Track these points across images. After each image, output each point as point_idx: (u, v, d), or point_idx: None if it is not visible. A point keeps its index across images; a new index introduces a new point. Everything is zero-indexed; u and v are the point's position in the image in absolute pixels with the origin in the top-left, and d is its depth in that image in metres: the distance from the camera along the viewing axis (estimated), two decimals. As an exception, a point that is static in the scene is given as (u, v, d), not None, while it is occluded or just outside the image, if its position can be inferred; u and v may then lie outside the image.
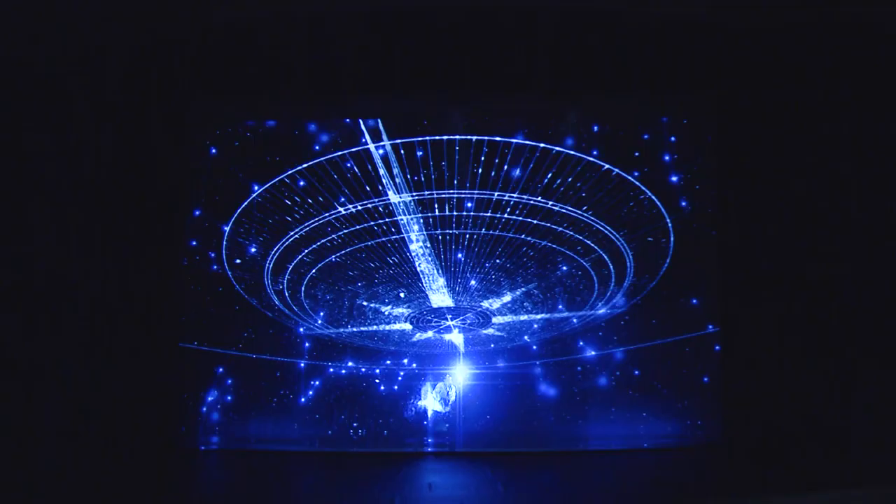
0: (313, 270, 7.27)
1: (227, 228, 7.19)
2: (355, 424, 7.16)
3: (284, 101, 7.17)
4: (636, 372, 7.14)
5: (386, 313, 7.48)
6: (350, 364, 7.30)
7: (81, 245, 6.59)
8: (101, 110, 6.69)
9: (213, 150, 7.27)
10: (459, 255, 7.24)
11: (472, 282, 7.32)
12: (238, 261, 7.26)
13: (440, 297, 7.42)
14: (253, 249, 7.20)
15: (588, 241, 7.16)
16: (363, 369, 7.32)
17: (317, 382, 7.25)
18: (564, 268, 7.26)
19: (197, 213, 7.21)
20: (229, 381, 7.18)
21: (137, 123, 6.82)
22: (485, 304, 7.45)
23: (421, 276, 7.29)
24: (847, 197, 6.46)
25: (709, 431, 6.93)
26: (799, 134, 6.64)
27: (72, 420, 6.31)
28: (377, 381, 7.29)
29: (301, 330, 7.34)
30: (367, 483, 5.88)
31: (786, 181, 6.67)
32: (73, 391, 6.37)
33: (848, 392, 6.26)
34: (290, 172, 7.05)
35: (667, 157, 7.12)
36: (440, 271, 7.28)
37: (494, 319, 7.53)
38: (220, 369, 7.15)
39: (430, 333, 7.51)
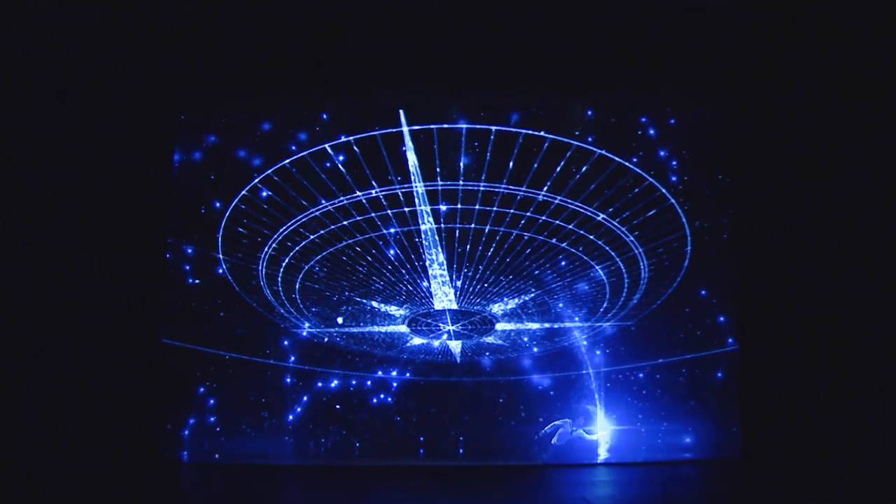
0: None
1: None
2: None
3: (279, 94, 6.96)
4: (649, 383, 6.86)
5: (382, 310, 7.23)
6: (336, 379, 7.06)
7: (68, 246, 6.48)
8: (87, 108, 6.58)
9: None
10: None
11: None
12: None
13: (443, 296, 7.10)
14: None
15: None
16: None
17: (305, 398, 6.98)
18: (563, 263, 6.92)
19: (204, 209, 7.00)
20: (214, 397, 6.93)
21: (124, 121, 6.66)
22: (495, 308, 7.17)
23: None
24: (871, 205, 6.14)
25: (727, 446, 6.65)
26: (819, 138, 6.35)
27: (50, 428, 6.17)
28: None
29: (297, 335, 7.10)
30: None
31: (806, 188, 6.39)
32: (53, 396, 6.24)
33: (868, 406, 5.93)
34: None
35: (674, 162, 6.81)
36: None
37: (498, 326, 7.22)
38: (202, 388, 6.92)
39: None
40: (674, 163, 6.78)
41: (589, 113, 6.78)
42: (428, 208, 6.75)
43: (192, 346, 6.86)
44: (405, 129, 6.65)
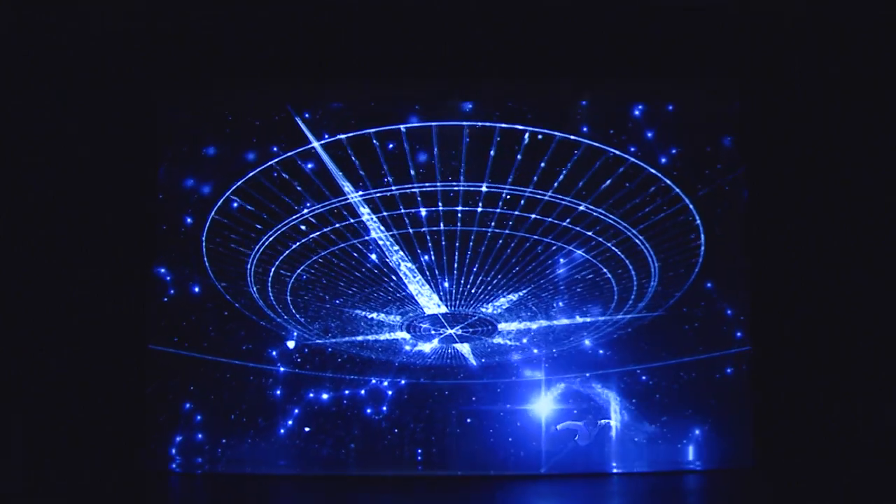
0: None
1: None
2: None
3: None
4: (653, 386, 6.65)
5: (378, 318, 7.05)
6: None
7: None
8: (76, 109, 6.39)
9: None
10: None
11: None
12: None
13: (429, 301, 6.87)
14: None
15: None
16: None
17: (296, 411, 6.83)
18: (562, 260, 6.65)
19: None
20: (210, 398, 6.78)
21: (108, 125, 6.45)
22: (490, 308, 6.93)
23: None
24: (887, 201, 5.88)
25: (738, 454, 6.38)
26: (831, 126, 6.06)
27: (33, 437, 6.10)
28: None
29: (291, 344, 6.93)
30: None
31: (822, 184, 6.11)
32: (39, 403, 6.16)
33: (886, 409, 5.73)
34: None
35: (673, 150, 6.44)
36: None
37: (501, 327, 7.04)
38: (191, 395, 6.76)
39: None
40: (673, 150, 6.44)
41: (584, 103, 6.45)
42: (372, 216, 6.47)
43: (180, 352, 6.71)
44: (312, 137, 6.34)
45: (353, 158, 6.27)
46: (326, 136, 6.39)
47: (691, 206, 6.39)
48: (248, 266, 6.74)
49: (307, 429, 6.76)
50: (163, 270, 6.74)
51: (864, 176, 5.91)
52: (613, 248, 6.56)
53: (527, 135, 6.15)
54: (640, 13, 6.04)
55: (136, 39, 6.36)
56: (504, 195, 6.30)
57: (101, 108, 6.45)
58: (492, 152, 6.18)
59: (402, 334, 7.09)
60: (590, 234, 6.48)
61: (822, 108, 6.04)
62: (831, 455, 5.74)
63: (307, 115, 6.47)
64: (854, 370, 5.85)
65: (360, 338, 7.10)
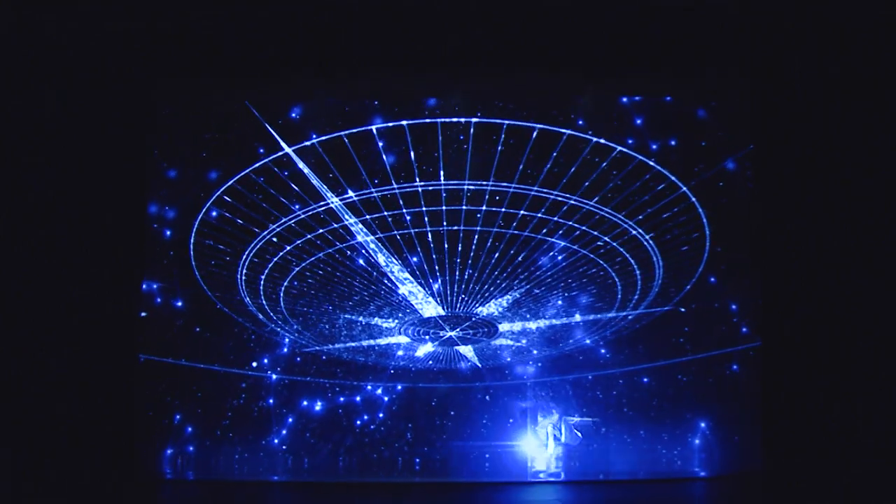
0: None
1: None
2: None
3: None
4: (654, 388, 6.52)
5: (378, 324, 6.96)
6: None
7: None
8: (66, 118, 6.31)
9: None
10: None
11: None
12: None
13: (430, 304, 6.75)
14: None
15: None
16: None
17: (292, 420, 6.80)
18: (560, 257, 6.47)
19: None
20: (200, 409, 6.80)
21: (100, 127, 6.31)
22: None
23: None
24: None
25: (745, 458, 6.13)
26: (838, 122, 5.79)
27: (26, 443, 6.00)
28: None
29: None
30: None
31: (823, 183, 5.83)
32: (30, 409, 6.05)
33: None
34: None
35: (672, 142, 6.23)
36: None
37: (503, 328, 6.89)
38: (185, 404, 6.77)
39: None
40: (672, 142, 6.24)
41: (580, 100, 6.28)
42: (354, 220, 6.34)
43: (173, 362, 6.70)
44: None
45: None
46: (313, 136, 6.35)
47: (695, 201, 6.20)
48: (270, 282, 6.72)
49: (284, 447, 6.73)
50: (154, 282, 6.76)
51: (866, 174, 5.68)
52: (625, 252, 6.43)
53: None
54: (641, 12, 5.84)
55: (136, 39, 6.39)
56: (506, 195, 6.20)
57: (99, 109, 6.45)
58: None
59: (403, 338, 7.00)
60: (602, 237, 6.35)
61: (822, 106, 5.82)
62: (832, 455, 5.48)
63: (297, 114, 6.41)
64: (873, 365, 5.55)
65: (362, 343, 7.07)
